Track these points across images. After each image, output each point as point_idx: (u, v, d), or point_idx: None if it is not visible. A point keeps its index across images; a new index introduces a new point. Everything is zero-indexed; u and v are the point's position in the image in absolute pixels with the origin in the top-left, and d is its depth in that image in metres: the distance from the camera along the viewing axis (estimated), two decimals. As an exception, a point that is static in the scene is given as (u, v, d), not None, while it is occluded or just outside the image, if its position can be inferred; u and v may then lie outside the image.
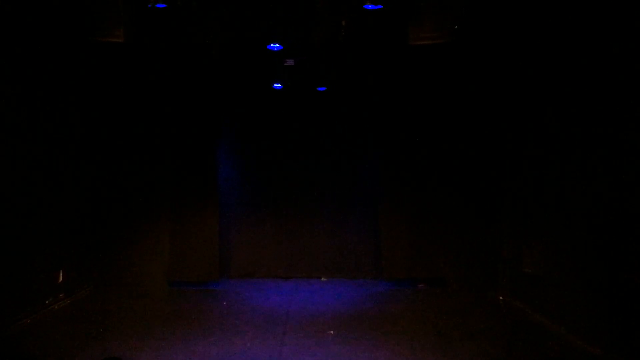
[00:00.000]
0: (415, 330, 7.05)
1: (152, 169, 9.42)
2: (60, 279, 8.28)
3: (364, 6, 5.65)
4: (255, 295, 9.11)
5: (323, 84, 9.22)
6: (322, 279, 10.11)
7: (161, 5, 5.82)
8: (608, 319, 6.07)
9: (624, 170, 5.84)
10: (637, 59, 5.59)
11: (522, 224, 8.25)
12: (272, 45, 6.48)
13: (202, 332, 7.00)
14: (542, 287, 7.58)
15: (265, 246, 10.27)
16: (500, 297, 8.70)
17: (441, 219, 9.41)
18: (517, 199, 8.47)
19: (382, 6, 5.68)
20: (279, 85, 8.82)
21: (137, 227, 9.40)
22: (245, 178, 10.37)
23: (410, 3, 5.77)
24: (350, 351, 6.27)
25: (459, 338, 6.75)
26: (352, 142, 10.27)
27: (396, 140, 9.56)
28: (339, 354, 6.18)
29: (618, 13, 5.77)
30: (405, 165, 9.53)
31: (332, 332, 7.00)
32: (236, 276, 10.20)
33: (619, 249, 5.94)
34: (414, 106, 9.49)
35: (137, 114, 9.45)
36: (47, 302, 7.85)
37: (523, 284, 8.15)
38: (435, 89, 9.32)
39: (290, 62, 7.87)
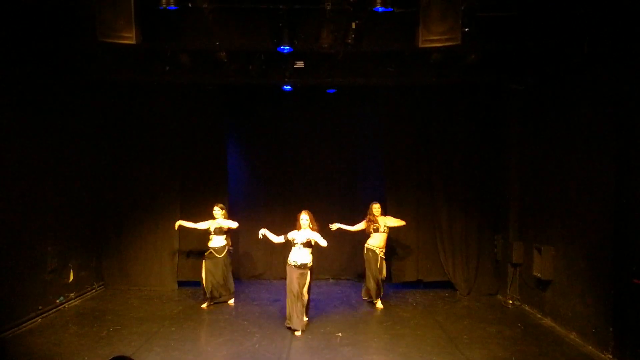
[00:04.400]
0: (424, 334, 7.03)
1: (162, 172, 9.47)
2: (71, 278, 8.36)
3: (374, 9, 5.65)
4: (264, 296, 9.13)
5: (332, 86, 9.23)
6: (330, 281, 10.12)
7: (173, 8, 5.87)
8: (618, 325, 6.02)
9: (632, 177, 5.82)
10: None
11: (532, 228, 8.21)
12: (282, 47, 6.49)
13: (211, 333, 7.04)
14: (552, 292, 7.53)
15: (274, 247, 10.25)
16: (510, 301, 8.64)
17: (449, 222, 9.37)
18: (527, 204, 8.43)
19: (392, 9, 5.67)
20: (289, 87, 8.84)
21: (146, 228, 9.46)
22: (255, 180, 10.43)
23: (420, 5, 5.75)
24: (358, 354, 6.27)
25: (468, 342, 6.72)
26: (360, 145, 10.28)
27: (403, 145, 9.54)
28: (347, 357, 6.17)
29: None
30: (412, 170, 9.51)
31: (340, 334, 6.99)
32: (245, 277, 10.25)
33: (628, 255, 5.89)
34: (421, 109, 9.47)
35: (147, 116, 9.49)
36: (57, 301, 7.93)
37: (532, 288, 8.10)
38: (442, 93, 9.29)
39: (300, 64, 7.88)
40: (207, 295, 8.31)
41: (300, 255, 7.15)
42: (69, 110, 8.28)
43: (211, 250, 8.35)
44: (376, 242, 8.37)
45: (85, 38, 6.33)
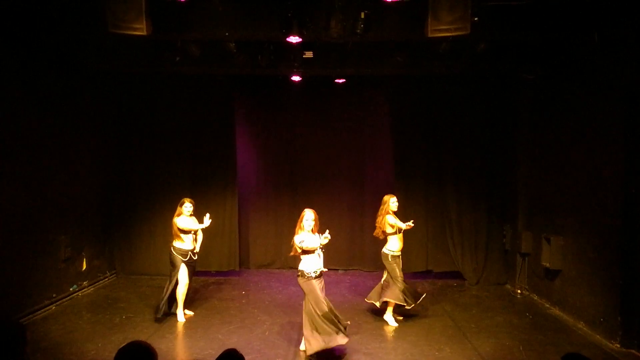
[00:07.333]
0: (432, 322, 7.09)
1: (172, 161, 9.56)
2: (84, 267, 8.50)
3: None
4: (274, 285, 9.22)
5: (341, 76, 9.22)
6: (339, 271, 10.17)
7: (183, -2, 5.91)
8: (626, 314, 6.03)
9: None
10: None
11: (540, 218, 8.20)
12: (291, 37, 6.51)
13: (222, 320, 7.14)
14: (560, 281, 7.54)
15: (283, 237, 10.34)
16: (518, 291, 8.67)
17: (458, 212, 9.39)
18: (536, 194, 8.41)
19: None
20: (298, 77, 8.85)
21: (157, 217, 9.56)
22: (264, 169, 10.47)
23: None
24: (366, 342, 6.34)
25: (476, 330, 6.77)
26: (369, 136, 10.25)
27: (412, 135, 9.54)
28: (356, 345, 6.24)
29: None
30: (421, 160, 9.52)
31: (349, 322, 7.03)
32: (255, 266, 10.35)
33: (637, 245, 5.89)
34: (430, 99, 9.46)
35: (157, 108, 9.57)
36: (71, 289, 8.08)
37: (541, 278, 8.11)
38: (451, 83, 9.26)
39: (309, 54, 7.88)
40: (162, 310, 6.97)
41: (319, 262, 5.84)
42: (80, 103, 8.37)
43: (189, 253, 7.15)
44: (390, 246, 7.21)
45: (95, 30, 6.39)
